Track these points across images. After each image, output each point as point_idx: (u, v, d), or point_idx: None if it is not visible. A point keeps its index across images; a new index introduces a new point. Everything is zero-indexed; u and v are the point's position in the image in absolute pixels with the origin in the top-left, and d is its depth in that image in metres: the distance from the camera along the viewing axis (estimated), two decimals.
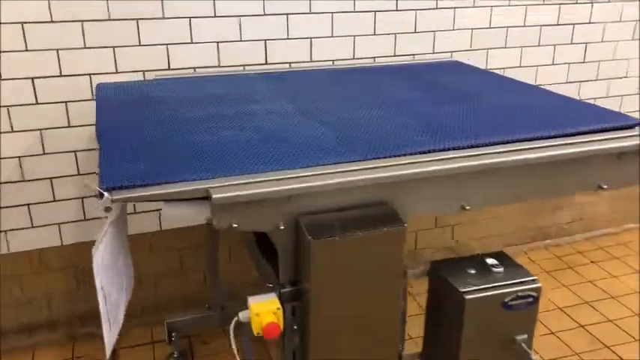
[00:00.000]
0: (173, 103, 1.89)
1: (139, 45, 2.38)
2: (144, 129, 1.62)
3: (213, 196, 1.22)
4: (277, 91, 2.06)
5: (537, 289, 1.37)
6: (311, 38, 2.62)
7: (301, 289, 1.35)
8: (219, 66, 2.52)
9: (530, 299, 1.37)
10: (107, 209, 1.21)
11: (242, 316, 1.33)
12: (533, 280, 1.38)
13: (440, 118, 1.69)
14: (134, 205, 2.61)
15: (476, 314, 1.33)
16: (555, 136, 1.56)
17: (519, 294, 1.35)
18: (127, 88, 2.10)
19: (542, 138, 1.55)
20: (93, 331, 2.67)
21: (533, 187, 1.51)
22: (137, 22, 2.35)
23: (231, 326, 1.34)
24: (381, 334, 1.40)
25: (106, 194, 1.21)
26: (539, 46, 3.04)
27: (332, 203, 1.33)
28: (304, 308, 1.33)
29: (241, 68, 2.56)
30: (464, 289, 1.33)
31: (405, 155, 1.42)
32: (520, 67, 3.04)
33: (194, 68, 2.50)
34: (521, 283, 1.37)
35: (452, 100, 1.90)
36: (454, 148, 1.47)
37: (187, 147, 1.48)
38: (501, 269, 1.40)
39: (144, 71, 2.43)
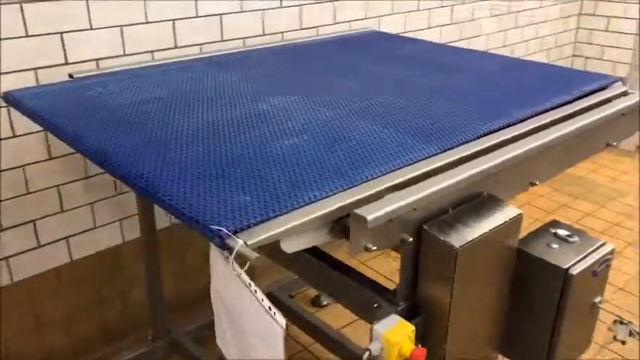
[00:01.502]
0: (161, 110, 1.52)
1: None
2: (171, 146, 1.28)
3: (369, 218, 1.00)
4: (254, 81, 1.79)
5: (612, 251, 1.43)
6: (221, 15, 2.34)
7: (424, 302, 1.21)
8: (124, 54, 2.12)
9: (608, 263, 1.42)
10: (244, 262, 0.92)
11: (374, 349, 1.15)
12: (604, 243, 1.44)
13: (464, 93, 1.64)
14: (37, 236, 2.10)
15: (578, 288, 1.33)
16: (567, 103, 1.62)
17: (603, 259, 1.40)
18: (57, 93, 1.64)
19: (560, 105, 1.59)
20: None
21: (572, 154, 1.56)
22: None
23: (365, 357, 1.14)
24: (492, 323, 1.34)
25: (239, 241, 0.92)
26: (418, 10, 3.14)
27: (444, 204, 1.21)
28: (434, 319, 1.20)
29: (149, 55, 2.18)
30: (566, 266, 1.32)
31: (473, 140, 1.35)
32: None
33: (96, 60, 2.05)
34: (599, 248, 1.41)
35: (446, 73, 1.86)
36: (507, 126, 1.43)
37: (255, 162, 1.21)
38: (577, 239, 1.42)
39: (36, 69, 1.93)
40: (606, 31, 4.21)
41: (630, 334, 1.44)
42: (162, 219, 2.31)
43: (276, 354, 0.93)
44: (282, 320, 0.90)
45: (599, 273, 1.40)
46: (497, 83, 1.78)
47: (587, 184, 3.94)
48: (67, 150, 2.08)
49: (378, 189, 1.12)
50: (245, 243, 0.92)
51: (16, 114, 1.91)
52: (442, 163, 1.23)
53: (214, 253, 1.04)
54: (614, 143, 1.67)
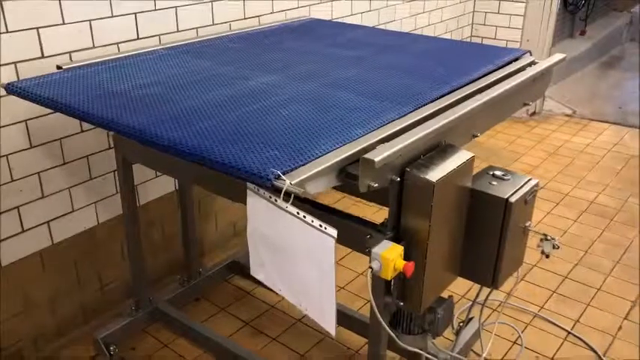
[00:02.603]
0: (166, 92, 1.73)
1: None
2: (190, 120, 1.51)
3: (376, 159, 1.31)
4: (232, 64, 2.03)
5: (537, 184, 1.82)
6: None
7: (406, 230, 1.54)
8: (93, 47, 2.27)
9: (535, 193, 1.81)
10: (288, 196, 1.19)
11: (375, 266, 1.46)
12: (531, 179, 1.83)
13: (412, 68, 1.98)
14: (21, 222, 2.22)
15: (515, 214, 1.71)
16: (492, 71, 2.01)
17: (532, 190, 1.78)
18: (59, 82, 1.80)
19: (487, 74, 1.98)
20: None
21: (500, 111, 1.95)
22: None
23: (368, 279, 1.45)
24: (455, 248, 1.69)
25: (287, 180, 1.19)
26: None
27: (418, 152, 1.54)
28: (415, 244, 1.53)
29: (115, 47, 2.35)
30: (506, 196, 1.69)
31: (430, 103, 1.70)
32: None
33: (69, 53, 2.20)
34: (527, 182, 1.80)
35: (390, 53, 2.19)
36: (452, 91, 1.80)
37: (268, 128, 1.48)
38: (510, 177, 1.80)
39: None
40: (498, 13, 4.76)
41: (553, 247, 1.86)
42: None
43: (328, 262, 1.21)
44: (333, 231, 1.18)
45: (528, 201, 1.80)
46: (436, 60, 2.14)
47: (491, 148, 4.48)
48: (46, 139, 2.22)
49: (371, 142, 1.44)
50: (290, 183, 1.19)
51: None
52: (414, 119, 1.57)
53: (253, 200, 1.31)
54: (529, 102, 2.08)
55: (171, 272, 2.82)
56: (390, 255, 1.46)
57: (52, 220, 2.32)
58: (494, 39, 4.83)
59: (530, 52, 2.22)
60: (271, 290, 2.69)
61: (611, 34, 7.70)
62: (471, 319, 2.46)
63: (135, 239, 2.31)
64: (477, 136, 1.81)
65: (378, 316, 1.55)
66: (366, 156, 1.33)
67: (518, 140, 4.67)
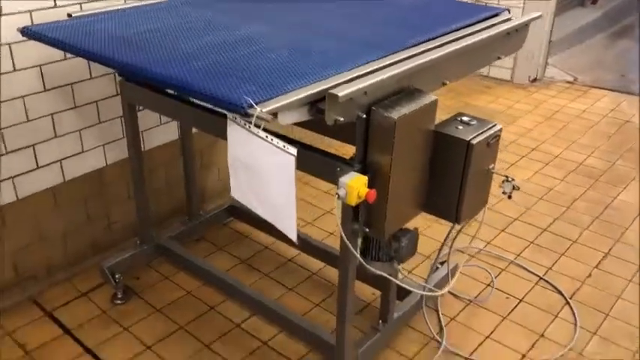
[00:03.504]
0: (165, 37, 1.92)
1: None
2: (189, 59, 1.70)
3: (340, 94, 1.49)
4: (224, 15, 2.21)
5: (500, 130, 1.99)
6: None
7: (372, 163, 1.73)
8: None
9: (497, 138, 1.98)
10: (260, 120, 1.38)
11: (341, 193, 1.65)
12: (495, 124, 1.99)
13: (396, 20, 2.14)
14: (36, 158, 2.45)
15: (476, 155, 1.88)
16: (469, 25, 2.17)
17: (493, 134, 1.95)
18: (70, 28, 2.00)
19: (464, 27, 2.14)
20: None
21: (472, 62, 2.11)
22: None
23: (336, 204, 1.65)
24: (418, 184, 1.88)
25: (258, 108, 1.38)
26: None
27: (384, 93, 1.72)
28: (380, 175, 1.72)
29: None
30: (468, 138, 1.87)
31: (407, 48, 1.86)
32: None
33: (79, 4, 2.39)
34: (491, 127, 1.97)
35: (377, 6, 2.35)
36: (426, 41, 1.96)
37: (253, 68, 1.66)
38: (475, 122, 1.97)
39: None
40: None
41: (513, 187, 2.03)
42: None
43: (288, 178, 1.41)
44: (293, 150, 1.38)
45: (491, 144, 1.97)
46: (415, 11, 2.30)
47: (488, 112, 4.61)
48: (59, 83, 2.43)
49: (342, 80, 1.62)
50: (261, 110, 1.38)
51: (17, 51, 2.24)
52: (384, 63, 1.74)
53: (232, 129, 1.50)
54: (503, 56, 2.24)
55: (173, 215, 3.04)
56: (354, 184, 1.65)
57: (64, 158, 2.54)
58: (497, 3, 4.92)
59: (509, 10, 2.36)
60: (265, 232, 2.94)
61: (624, 4, 7.69)
62: (445, 261, 2.67)
63: (139, 178, 2.53)
64: (446, 84, 1.98)
65: (345, 239, 1.75)
66: (332, 91, 1.51)
67: (516, 105, 4.80)
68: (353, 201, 1.66)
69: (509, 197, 2.09)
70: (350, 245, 1.78)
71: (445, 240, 2.23)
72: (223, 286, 2.56)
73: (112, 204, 2.80)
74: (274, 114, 1.46)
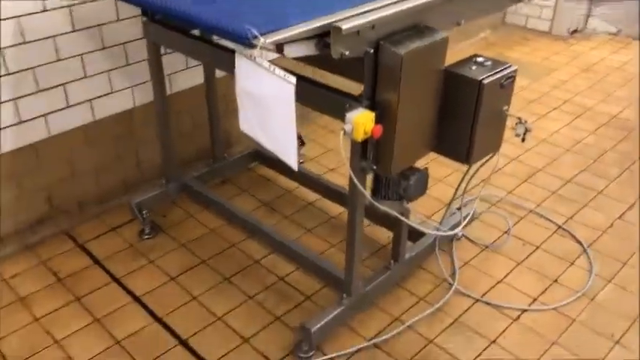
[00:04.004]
0: None
1: None
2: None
3: (343, 27, 1.52)
4: None
5: (515, 71, 1.98)
6: None
7: (381, 101, 1.75)
8: None
9: (512, 78, 1.97)
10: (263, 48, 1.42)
11: (347, 128, 1.69)
12: (510, 65, 1.98)
13: None
14: (67, 97, 2.56)
15: (488, 96, 1.88)
16: None
17: (508, 75, 1.94)
18: None
19: None
20: None
21: (487, 4, 2.09)
22: None
23: (340, 139, 1.69)
24: (427, 123, 1.90)
25: (261, 38, 1.42)
26: None
27: (394, 29, 1.73)
28: (387, 112, 1.75)
29: None
30: (480, 78, 1.87)
31: None
32: None
33: None
34: (506, 68, 1.95)
35: None
36: None
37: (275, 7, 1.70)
38: (490, 62, 1.96)
39: None
40: None
41: (526, 130, 2.03)
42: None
43: (289, 107, 1.46)
44: (292, 78, 1.42)
45: (505, 85, 1.96)
46: None
47: (523, 64, 4.51)
48: (87, 24, 2.51)
49: (350, 14, 1.63)
50: (264, 41, 1.43)
51: None
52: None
53: (239, 60, 1.55)
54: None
55: (199, 158, 3.13)
56: (361, 119, 1.69)
57: (93, 98, 2.65)
58: None
59: None
60: (288, 177, 3.01)
61: None
62: (462, 207, 2.69)
63: (163, 119, 2.62)
64: (460, 24, 1.97)
65: (353, 176, 1.80)
66: (336, 24, 1.53)
67: (553, 57, 4.67)
68: (359, 137, 1.70)
69: (523, 140, 2.09)
70: (358, 182, 1.82)
71: (460, 183, 2.24)
72: (245, 225, 2.66)
73: (141, 144, 2.90)
74: (280, 46, 1.50)
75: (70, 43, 2.48)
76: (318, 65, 2.08)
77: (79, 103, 2.61)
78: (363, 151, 1.83)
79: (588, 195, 3.02)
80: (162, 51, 2.50)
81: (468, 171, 2.15)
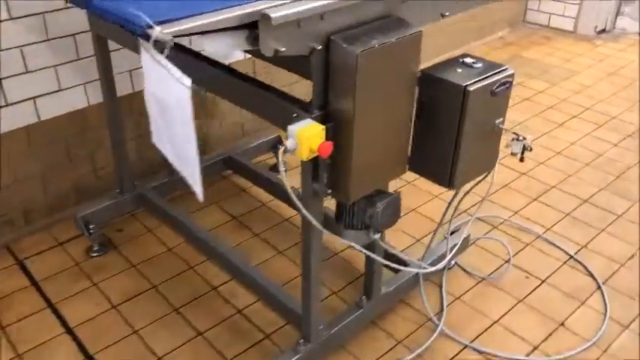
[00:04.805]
0: None
1: None
2: None
3: (273, 15, 1.16)
4: None
5: (512, 75, 1.60)
6: None
7: (334, 110, 1.39)
8: None
9: (508, 85, 1.60)
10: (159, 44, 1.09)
11: (289, 144, 1.34)
12: (506, 68, 1.61)
13: None
14: (4, 96, 2.25)
15: (476, 105, 1.52)
16: None
17: (502, 81, 1.57)
18: None
19: None
20: None
21: None
22: None
23: (280, 156, 1.34)
24: (398, 139, 1.53)
25: (157, 28, 1.08)
26: None
27: (352, 20, 1.37)
28: (342, 126, 1.39)
29: None
30: (465, 83, 1.50)
31: None
32: None
33: None
34: (499, 72, 1.58)
35: None
36: None
37: None
38: (480, 64, 1.59)
39: None
40: None
41: (524, 148, 1.65)
42: (122, 85, 2.46)
43: (185, 114, 1.11)
44: (187, 80, 1.07)
45: (498, 93, 1.59)
46: None
47: (542, 66, 4.10)
48: (28, 11, 2.19)
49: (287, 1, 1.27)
50: (161, 31, 1.08)
51: None
52: None
53: (143, 55, 1.21)
54: None
55: (165, 165, 2.80)
56: (305, 134, 1.33)
57: (37, 96, 2.34)
58: None
59: None
60: (265, 189, 2.67)
61: None
62: (455, 231, 2.32)
63: (113, 120, 2.30)
64: (445, 16, 1.60)
65: (298, 203, 1.44)
66: (266, 11, 1.18)
67: (576, 58, 4.25)
68: (304, 155, 1.35)
69: (521, 160, 1.71)
70: (306, 212, 1.47)
71: (449, 204, 1.87)
72: (203, 246, 2.32)
73: (99, 148, 2.59)
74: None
75: (6, 33, 2.17)
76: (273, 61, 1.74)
77: (19, 102, 2.30)
78: (315, 171, 1.47)
79: (607, 219, 2.62)
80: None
81: (456, 193, 1.79)
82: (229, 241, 2.41)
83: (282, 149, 1.33)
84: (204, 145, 2.88)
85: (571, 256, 2.40)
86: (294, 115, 1.41)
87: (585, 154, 3.10)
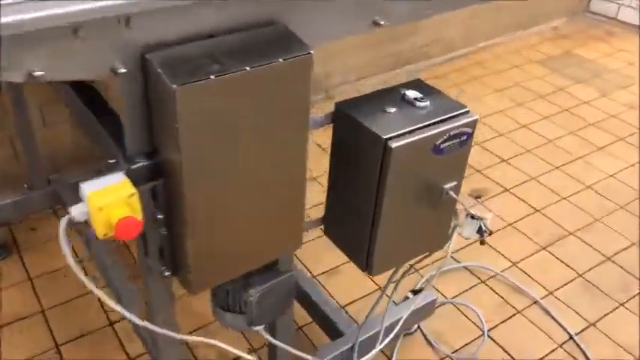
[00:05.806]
0: None
1: None
2: None
3: (2, 20, 0.69)
4: None
5: (473, 123, 1.07)
6: None
7: (163, 161, 0.92)
8: None
9: (465, 137, 1.07)
10: None
11: (75, 212, 0.88)
12: (467, 112, 1.08)
13: None
14: None
15: (403, 165, 1.01)
16: None
17: (452, 132, 1.05)
18: None
19: None
20: None
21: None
22: None
23: (61, 227, 0.89)
24: (280, 204, 1.04)
25: None
26: None
27: (192, 28, 0.86)
28: (173, 186, 0.91)
29: None
30: (388, 135, 0.98)
31: None
32: None
33: None
34: (454, 118, 1.06)
35: None
36: None
37: None
38: (427, 102, 1.07)
39: None
40: None
41: (481, 229, 1.12)
42: None
43: None
44: None
45: (445, 150, 1.06)
46: None
47: (596, 69, 3.42)
48: None
49: None
50: None
51: None
52: None
53: None
54: None
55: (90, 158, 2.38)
56: (101, 199, 0.86)
57: None
58: None
59: None
60: None
61: None
62: (420, 290, 1.82)
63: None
64: (380, 25, 1.06)
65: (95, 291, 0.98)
66: None
67: None
68: (99, 232, 0.88)
69: (482, 243, 1.18)
70: (129, 315, 1.01)
71: (389, 279, 1.36)
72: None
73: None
74: None
75: None
76: None
77: None
78: (145, 244, 1.00)
79: (631, 288, 2.04)
80: None
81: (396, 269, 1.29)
82: None
83: (63, 221, 0.87)
84: None
85: (571, 337, 1.85)
86: (114, 160, 0.94)
87: (623, 193, 2.48)
